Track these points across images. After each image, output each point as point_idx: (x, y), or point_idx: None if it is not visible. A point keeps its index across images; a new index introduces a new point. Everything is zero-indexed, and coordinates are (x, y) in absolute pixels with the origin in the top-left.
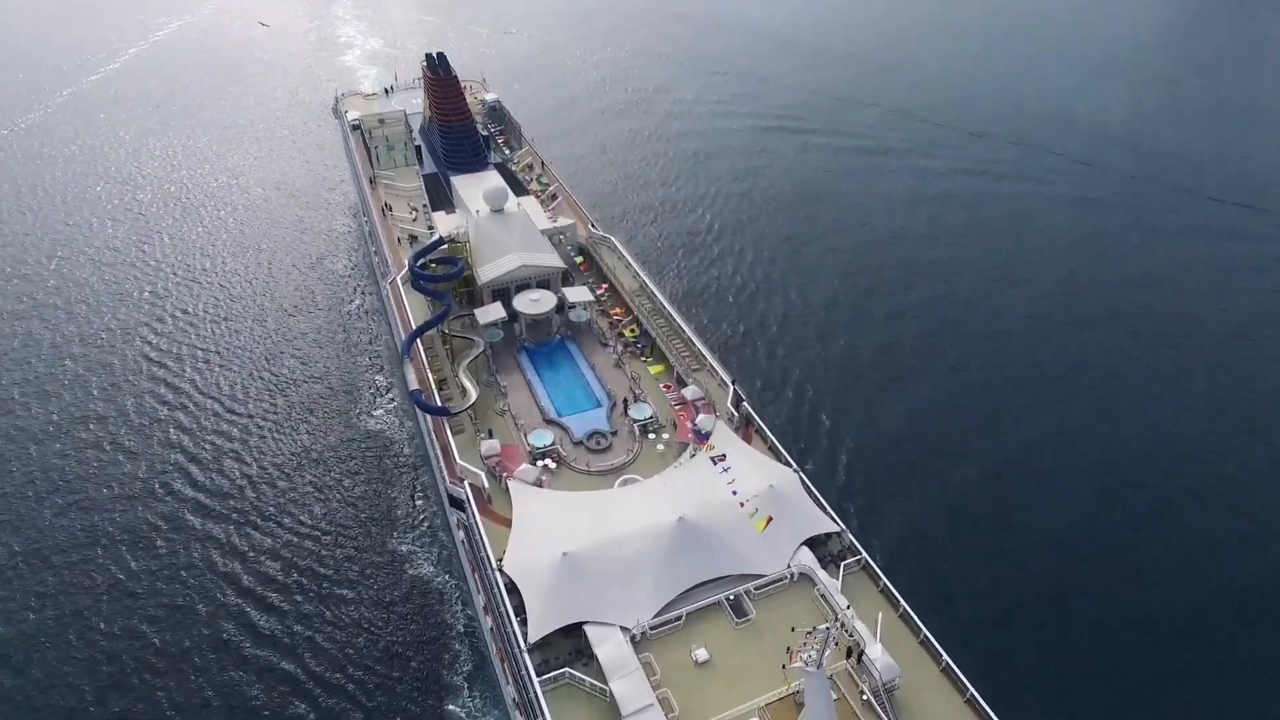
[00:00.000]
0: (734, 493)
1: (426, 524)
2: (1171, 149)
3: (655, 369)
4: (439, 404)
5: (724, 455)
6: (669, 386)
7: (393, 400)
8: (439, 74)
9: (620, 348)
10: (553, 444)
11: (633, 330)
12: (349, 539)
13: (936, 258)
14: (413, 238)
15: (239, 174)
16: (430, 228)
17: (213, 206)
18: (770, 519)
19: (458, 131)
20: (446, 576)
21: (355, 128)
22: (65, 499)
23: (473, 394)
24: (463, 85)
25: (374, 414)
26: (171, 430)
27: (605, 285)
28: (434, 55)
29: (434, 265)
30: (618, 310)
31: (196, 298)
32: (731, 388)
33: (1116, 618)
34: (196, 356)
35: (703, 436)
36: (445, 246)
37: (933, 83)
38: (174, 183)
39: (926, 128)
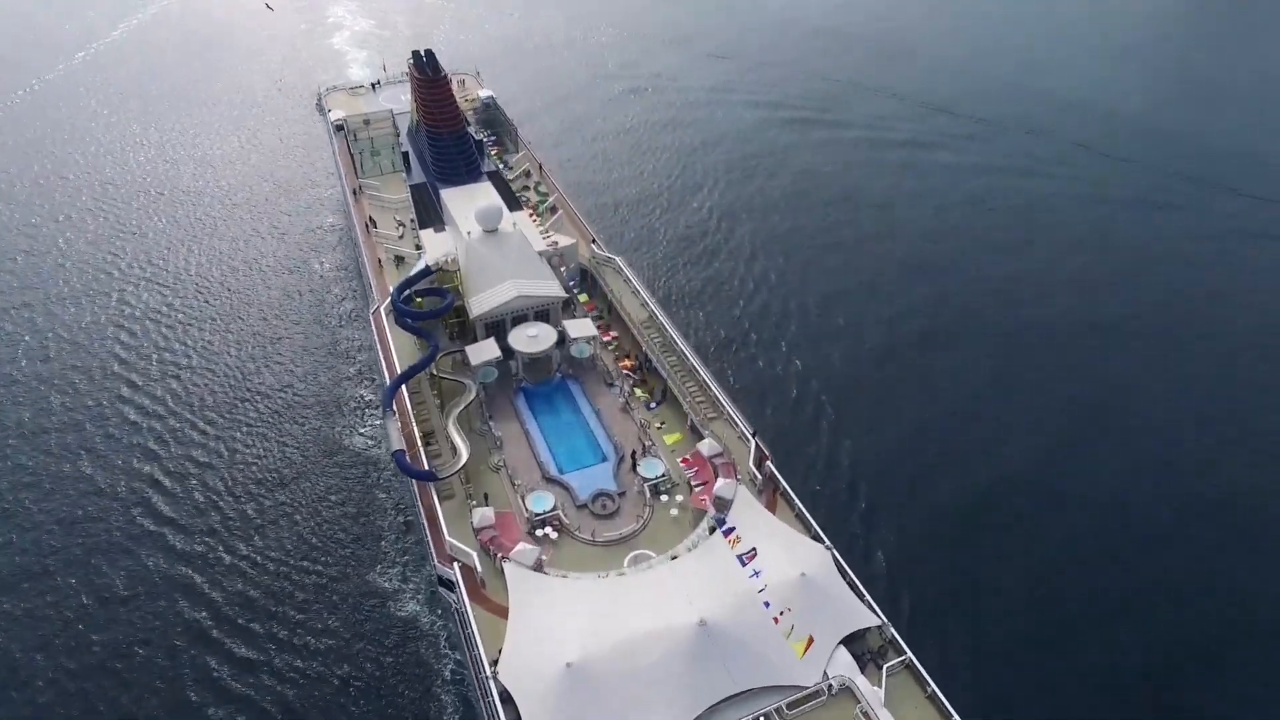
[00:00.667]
0: (766, 604)
1: (413, 557)
2: (1204, 142)
3: (671, 438)
4: (426, 466)
5: (753, 551)
6: (687, 460)
7: (380, 417)
8: (427, 74)
9: (627, 389)
10: (553, 509)
11: (646, 390)
12: (327, 573)
13: (967, 267)
14: (399, 259)
15: (221, 165)
16: (418, 247)
17: (192, 200)
18: (811, 641)
19: (447, 139)
20: (435, 617)
21: (339, 129)
22: (16, 523)
23: (464, 453)
24: (456, 79)
25: (359, 431)
26: (136, 449)
27: (613, 333)
28: (421, 53)
29: (419, 300)
30: (626, 363)
31: (171, 299)
32: (753, 442)
33: None
34: (168, 364)
35: (727, 528)
36: (432, 276)
37: (954, 69)
38: (151, 175)
39: (949, 119)
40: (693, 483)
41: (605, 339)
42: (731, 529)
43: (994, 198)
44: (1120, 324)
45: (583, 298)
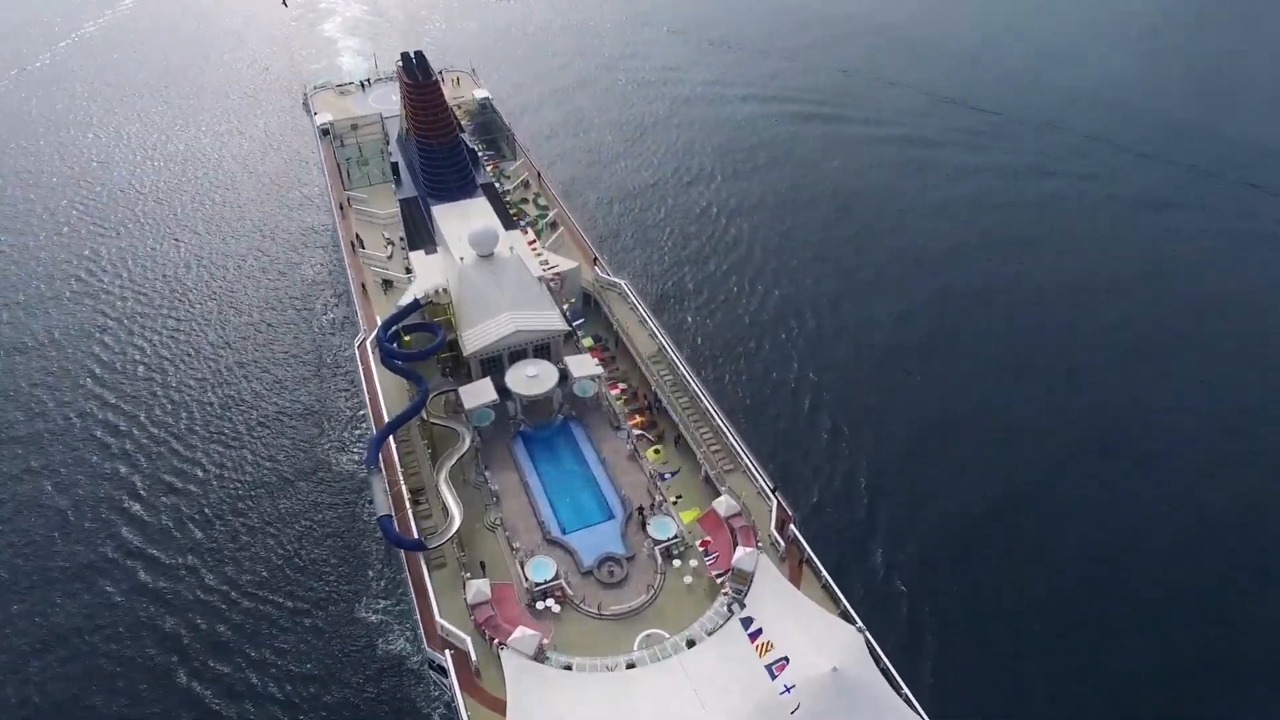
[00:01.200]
0: None
1: (404, 587)
2: (1229, 137)
3: (688, 515)
4: (415, 530)
5: (783, 662)
6: (707, 543)
7: (368, 434)
8: (417, 78)
9: (635, 433)
10: (556, 578)
11: (656, 434)
12: (308, 605)
13: (1008, 278)
14: (387, 283)
15: (206, 160)
16: (408, 270)
17: (174, 197)
18: None
19: (438, 151)
20: (423, 654)
21: (325, 133)
22: None
23: (456, 517)
24: (450, 77)
25: (347, 446)
26: (105, 468)
27: (622, 386)
28: (411, 55)
29: (407, 339)
30: (639, 420)
31: (151, 304)
32: (775, 500)
33: None
34: (145, 375)
35: (753, 630)
36: (422, 309)
37: (975, 61)
38: (133, 171)
39: (976, 115)
40: (708, 550)
41: (615, 392)
42: (758, 631)
43: (1016, 196)
44: (1139, 325)
45: (587, 341)
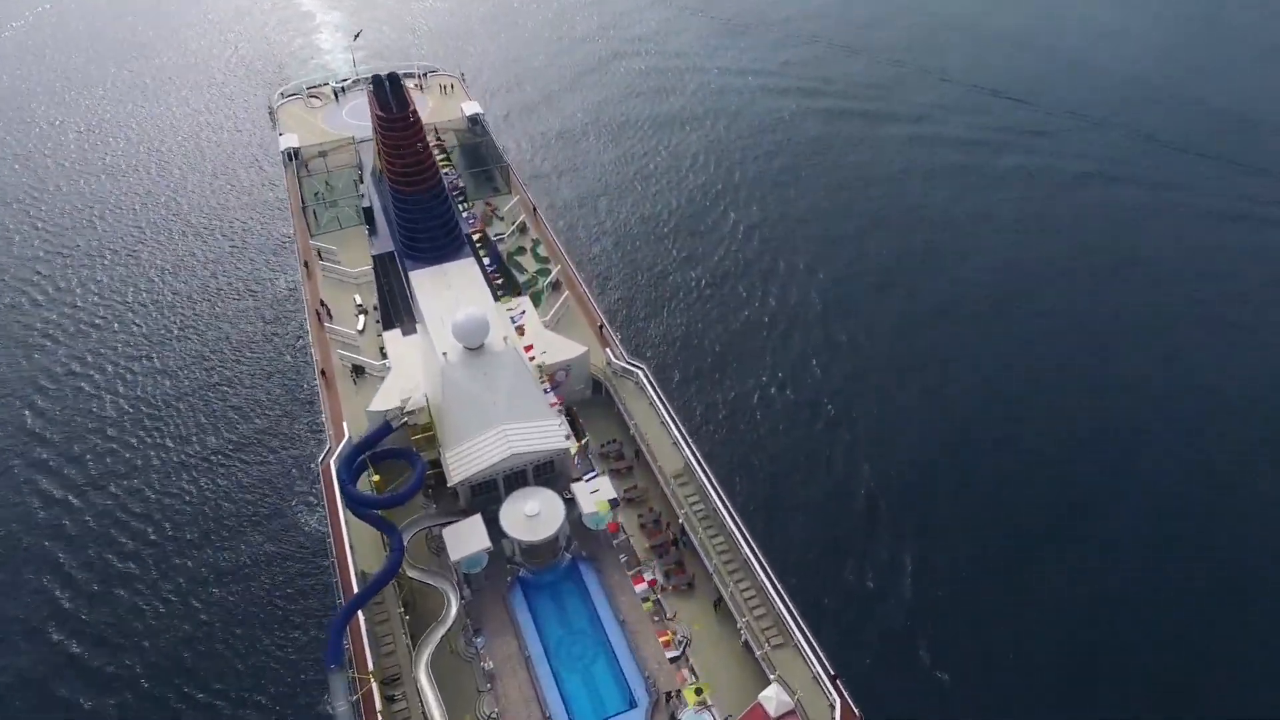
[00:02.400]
0: None
1: None
2: None
3: None
4: None
5: None
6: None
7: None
8: (391, 110)
9: (662, 576)
10: None
11: (700, 692)
12: (271, 697)
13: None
14: (358, 370)
15: (167, 161)
16: (383, 353)
17: (131, 207)
18: None
19: (415, 201)
20: None
21: (291, 158)
22: None
23: None
24: (438, 83)
25: (319, 506)
26: (42, 522)
27: (645, 551)
28: (384, 79)
29: (376, 477)
30: (666, 638)
31: (103, 331)
32: (838, 696)
33: None
34: (91, 415)
35: None
36: (395, 432)
37: (1020, 46)
38: (85, 178)
39: (1027, 111)
40: None
41: (640, 589)
42: None
43: (1085, 202)
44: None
45: (603, 508)
